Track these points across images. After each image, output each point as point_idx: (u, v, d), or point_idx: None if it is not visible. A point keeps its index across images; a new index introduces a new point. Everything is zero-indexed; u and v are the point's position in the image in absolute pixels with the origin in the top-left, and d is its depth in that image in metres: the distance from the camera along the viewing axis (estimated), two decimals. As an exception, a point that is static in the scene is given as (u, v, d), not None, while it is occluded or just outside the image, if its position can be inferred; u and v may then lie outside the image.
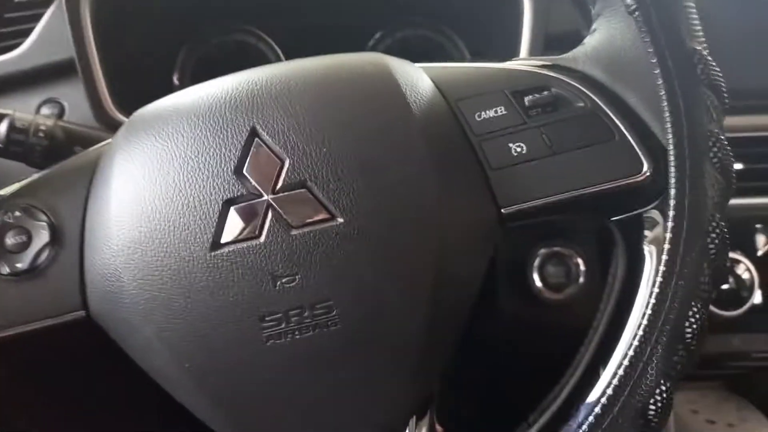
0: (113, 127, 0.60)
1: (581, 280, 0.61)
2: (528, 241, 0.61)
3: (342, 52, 0.38)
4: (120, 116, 0.61)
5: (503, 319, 0.61)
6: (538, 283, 0.61)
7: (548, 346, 0.61)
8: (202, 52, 0.77)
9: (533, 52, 0.60)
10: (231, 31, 0.77)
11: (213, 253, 0.32)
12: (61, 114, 0.63)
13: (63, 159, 0.40)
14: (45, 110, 0.63)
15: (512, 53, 0.63)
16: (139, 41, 0.70)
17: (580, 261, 0.61)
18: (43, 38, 0.65)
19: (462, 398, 0.40)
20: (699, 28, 0.33)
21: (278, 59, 0.77)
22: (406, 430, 0.35)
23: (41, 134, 0.48)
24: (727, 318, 0.69)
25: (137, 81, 0.67)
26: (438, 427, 0.37)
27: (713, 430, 0.78)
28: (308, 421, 0.34)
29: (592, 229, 0.61)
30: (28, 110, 0.59)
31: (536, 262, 0.61)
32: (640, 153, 0.35)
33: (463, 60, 0.76)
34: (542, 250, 0.62)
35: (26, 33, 0.66)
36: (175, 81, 0.76)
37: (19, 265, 0.35)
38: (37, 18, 0.66)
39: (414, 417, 0.36)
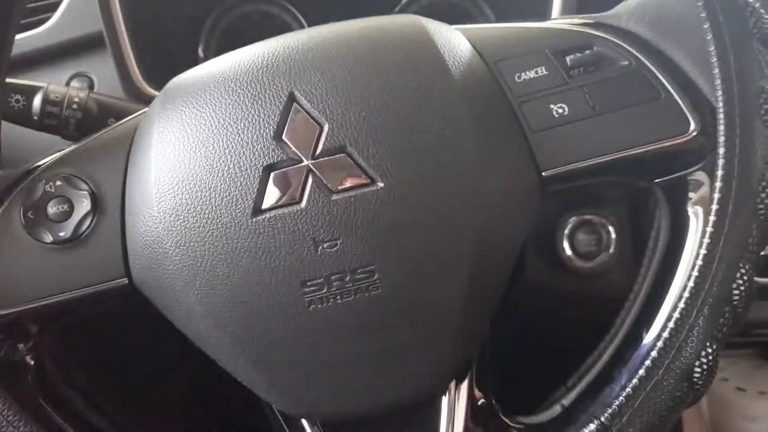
0: (142, 99, 0.60)
1: (612, 248, 0.60)
2: (558, 208, 0.60)
3: None
4: (149, 89, 0.61)
5: (533, 288, 0.61)
6: (569, 251, 0.60)
7: (579, 314, 0.60)
8: (227, 24, 0.77)
9: (565, 13, 0.59)
10: (255, 1, 0.77)
11: (254, 219, 0.32)
12: (90, 87, 0.63)
13: (96, 131, 0.40)
14: (75, 84, 0.63)
15: (541, 17, 0.61)
16: (165, 14, 0.69)
17: (611, 229, 0.61)
18: (71, 12, 0.65)
19: (499, 364, 0.40)
20: None
21: (302, 29, 0.77)
22: (446, 394, 0.35)
23: (75, 107, 0.48)
24: (762, 285, 0.68)
25: (164, 53, 0.67)
26: (477, 392, 0.37)
27: (743, 398, 0.77)
28: (349, 385, 0.34)
29: (624, 196, 0.60)
30: (59, 84, 0.59)
31: (566, 230, 0.61)
32: (686, 112, 0.34)
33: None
34: (572, 218, 0.61)
35: (54, 7, 0.66)
36: (200, 53, 0.76)
37: (62, 234, 0.35)
38: (63, -8, 0.66)
39: (454, 381, 0.36)
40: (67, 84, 0.63)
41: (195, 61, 0.78)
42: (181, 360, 0.57)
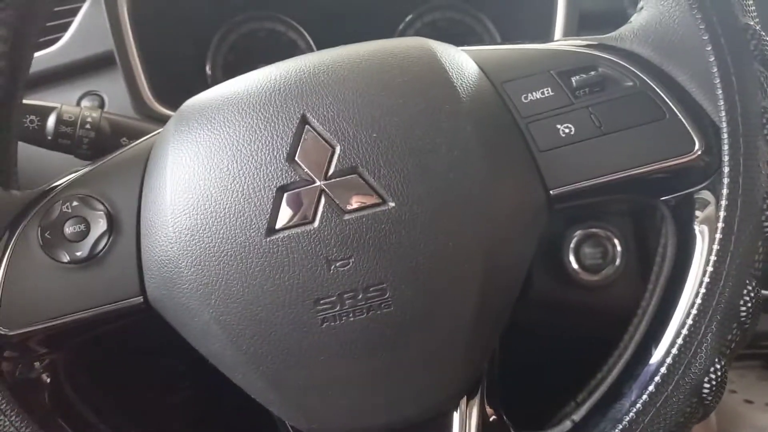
0: (153, 117, 0.61)
1: (618, 260, 0.61)
2: (564, 222, 0.61)
3: (372, 38, 0.38)
4: (159, 107, 0.62)
5: (539, 301, 0.61)
6: (575, 264, 0.61)
7: (586, 327, 0.61)
8: (233, 41, 0.78)
9: (567, 33, 0.60)
10: (261, 19, 0.78)
11: (268, 239, 0.33)
12: (101, 106, 0.64)
13: (110, 150, 0.41)
14: (85, 103, 0.64)
15: (544, 35, 0.62)
16: (173, 32, 0.71)
17: (616, 242, 0.61)
18: (81, 32, 0.66)
19: (509, 380, 0.41)
20: (751, 2, 0.33)
21: (308, 47, 0.78)
22: (457, 410, 0.36)
23: (88, 126, 0.49)
24: None
25: (172, 71, 0.68)
26: (487, 408, 0.38)
27: (751, 410, 0.77)
28: (361, 401, 0.34)
29: (629, 211, 0.60)
30: (70, 103, 0.60)
31: (572, 244, 0.61)
32: (691, 132, 0.34)
33: (494, 43, 0.76)
34: (578, 232, 0.61)
35: (64, 28, 0.67)
36: (208, 71, 0.77)
37: (78, 254, 0.36)
38: (74, 12, 0.68)
39: (465, 398, 0.36)
40: (78, 102, 0.65)
41: (203, 79, 0.79)
42: (190, 376, 0.58)
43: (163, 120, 0.59)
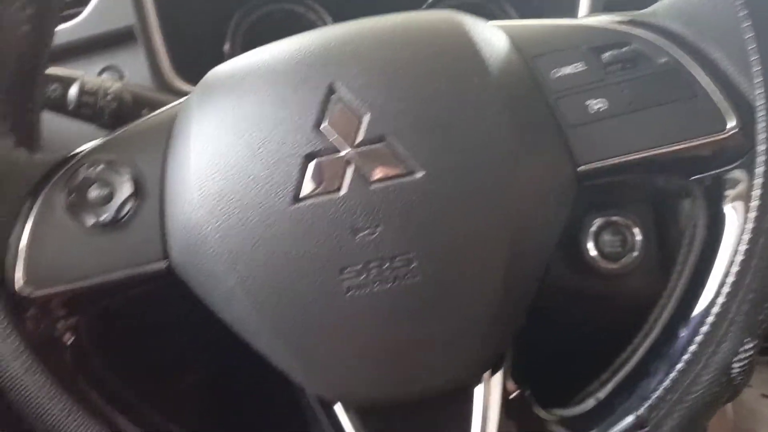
0: (172, 92, 0.61)
1: (637, 250, 0.60)
2: (583, 209, 0.61)
3: None
4: (178, 82, 0.61)
5: (556, 288, 0.61)
6: (593, 252, 0.60)
7: (603, 315, 0.60)
8: (252, 21, 0.78)
9: (593, 11, 0.59)
10: (281, 0, 0.77)
11: (294, 206, 0.33)
12: (121, 80, 0.64)
13: (130, 121, 0.41)
14: (105, 77, 0.64)
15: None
16: (194, 10, 0.70)
17: (636, 230, 0.61)
18: (102, 6, 0.66)
19: (532, 357, 0.41)
20: None
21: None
22: (480, 384, 0.35)
23: (110, 97, 0.49)
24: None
25: (192, 48, 0.68)
26: (511, 384, 0.37)
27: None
28: (384, 371, 0.34)
29: (650, 198, 0.60)
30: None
31: (591, 231, 0.61)
32: (725, 109, 0.34)
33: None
34: (598, 219, 0.61)
35: (85, 2, 0.67)
36: (226, 49, 0.77)
37: (103, 217, 0.36)
38: (94, -14, 0.67)
39: (488, 372, 0.36)
40: (98, 76, 0.64)
41: (221, 57, 0.79)
42: (205, 354, 0.58)
43: (182, 94, 0.59)
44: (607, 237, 0.61)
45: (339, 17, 0.78)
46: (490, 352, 0.35)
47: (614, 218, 0.61)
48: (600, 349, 0.43)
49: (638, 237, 0.59)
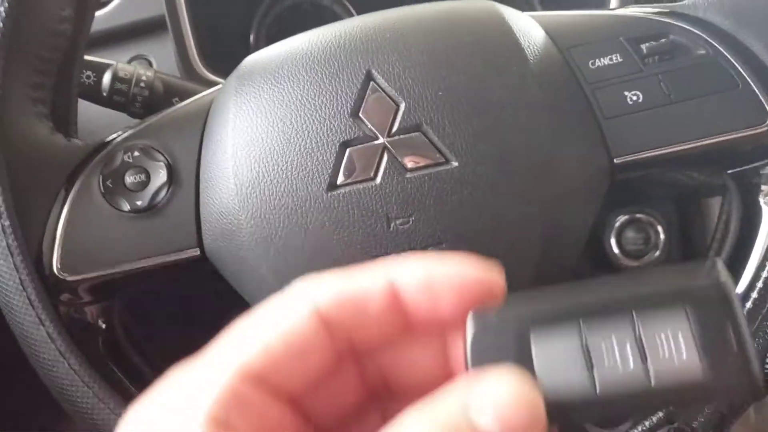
0: (201, 82, 0.61)
1: (660, 248, 0.60)
2: (606, 206, 0.60)
3: None
4: (207, 72, 0.62)
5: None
6: (616, 249, 0.60)
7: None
8: (278, 13, 0.78)
9: (624, 5, 0.58)
10: (306, -9, 0.78)
11: (329, 194, 0.33)
12: (149, 69, 0.64)
13: (161, 110, 0.41)
14: (137, 65, 0.64)
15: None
16: (221, 1, 0.71)
17: (660, 228, 0.60)
18: (131, -4, 0.66)
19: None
20: None
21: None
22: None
23: (142, 84, 0.49)
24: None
25: (219, 39, 0.68)
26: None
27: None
28: None
29: (676, 196, 0.59)
30: (120, 65, 0.60)
31: (615, 227, 0.60)
32: (765, 102, 0.33)
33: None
34: (621, 216, 0.60)
35: (114, -9, 0.68)
36: (252, 41, 0.77)
37: (138, 203, 0.36)
38: (123, -23, 0.68)
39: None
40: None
41: (246, 48, 0.79)
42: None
43: (210, 85, 0.59)
44: (630, 234, 0.60)
45: (363, 10, 0.78)
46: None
47: (638, 215, 0.60)
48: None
49: (661, 236, 0.59)
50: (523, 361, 0.19)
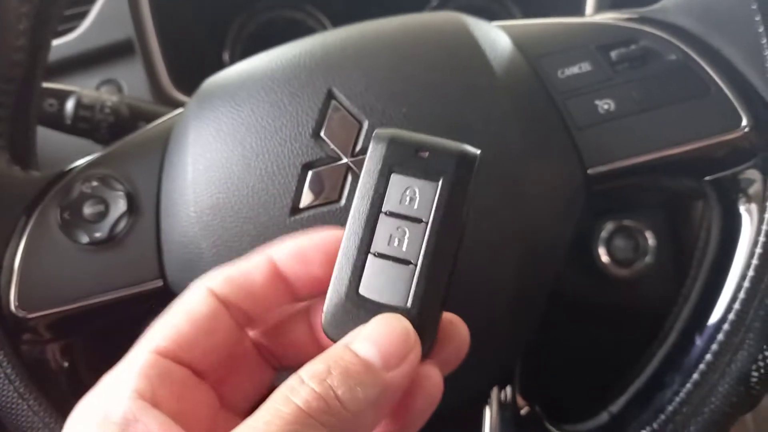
0: (171, 104, 0.60)
1: (649, 255, 0.59)
2: (593, 214, 0.59)
3: None
4: (177, 94, 0.61)
5: (567, 295, 0.60)
6: (605, 257, 0.59)
7: (615, 322, 0.59)
8: (252, 29, 0.77)
9: (600, 9, 0.58)
10: (280, 7, 0.77)
11: (293, 218, 0.32)
12: (119, 93, 0.63)
13: (128, 135, 0.40)
14: (103, 90, 0.63)
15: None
16: (192, 20, 0.70)
17: (649, 234, 0.59)
18: (100, 20, 0.65)
19: (542, 371, 0.39)
20: None
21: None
22: (489, 401, 0.34)
23: (107, 110, 0.48)
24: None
25: (190, 59, 0.67)
26: (520, 400, 0.36)
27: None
28: None
29: (662, 202, 0.58)
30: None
31: (603, 236, 0.59)
32: (738, 107, 0.32)
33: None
34: (609, 224, 0.60)
35: (82, 16, 0.67)
36: (226, 58, 0.76)
37: (97, 235, 0.35)
38: (90, 1, 0.67)
39: (497, 388, 0.35)
40: (97, 89, 0.64)
41: (221, 67, 0.78)
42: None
43: (181, 106, 0.59)
44: (619, 242, 0.59)
45: (339, 24, 0.77)
46: (499, 366, 0.34)
47: (626, 222, 0.59)
48: (612, 359, 0.41)
49: (651, 241, 0.58)
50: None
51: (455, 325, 0.25)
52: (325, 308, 0.24)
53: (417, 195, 0.24)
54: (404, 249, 0.24)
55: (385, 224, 0.24)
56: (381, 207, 0.24)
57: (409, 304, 0.23)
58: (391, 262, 0.24)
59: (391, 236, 0.24)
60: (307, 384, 0.21)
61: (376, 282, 0.23)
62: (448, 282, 0.24)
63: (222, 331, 0.25)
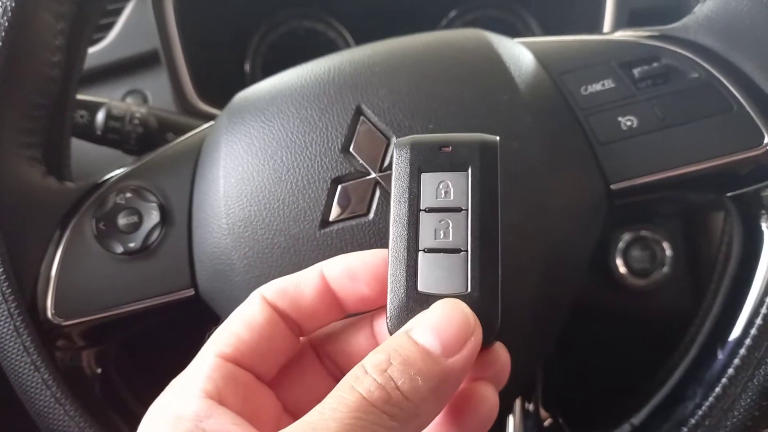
0: (196, 114, 0.61)
1: (666, 265, 0.59)
2: (612, 224, 0.59)
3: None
4: (201, 104, 0.62)
5: (585, 305, 0.60)
6: (622, 268, 0.59)
7: (633, 332, 0.59)
8: (272, 41, 0.78)
9: (617, 29, 0.58)
10: (301, 18, 0.78)
11: (322, 231, 0.32)
12: (144, 103, 0.64)
13: (156, 145, 0.41)
14: (129, 100, 0.65)
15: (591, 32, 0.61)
16: (215, 31, 0.71)
17: (666, 245, 0.59)
18: (126, 31, 0.67)
19: (563, 383, 0.40)
20: None
21: (348, 46, 0.78)
22: (512, 412, 0.35)
23: (136, 121, 0.49)
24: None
25: (213, 70, 0.69)
26: (543, 412, 0.36)
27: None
28: None
29: (680, 213, 0.59)
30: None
31: (620, 246, 0.60)
32: (760, 124, 0.33)
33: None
34: (626, 234, 0.60)
35: (108, 27, 0.68)
36: (247, 69, 0.78)
37: (131, 245, 0.36)
38: (117, 12, 0.68)
39: (520, 400, 0.35)
40: (123, 100, 0.65)
41: (241, 77, 0.79)
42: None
43: (205, 117, 0.60)
44: (636, 253, 0.60)
45: (358, 34, 0.78)
46: (521, 378, 0.34)
47: (643, 233, 0.60)
48: (632, 369, 0.42)
49: (668, 252, 0.58)
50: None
51: (498, 347, 0.26)
52: (388, 312, 0.24)
53: (450, 187, 0.25)
54: (451, 239, 0.24)
55: (427, 221, 0.25)
56: (419, 206, 0.25)
57: (469, 289, 0.24)
58: (441, 254, 0.24)
59: (435, 230, 0.25)
60: (369, 375, 0.21)
61: (432, 276, 0.24)
62: (499, 263, 0.24)
63: (278, 338, 0.26)
